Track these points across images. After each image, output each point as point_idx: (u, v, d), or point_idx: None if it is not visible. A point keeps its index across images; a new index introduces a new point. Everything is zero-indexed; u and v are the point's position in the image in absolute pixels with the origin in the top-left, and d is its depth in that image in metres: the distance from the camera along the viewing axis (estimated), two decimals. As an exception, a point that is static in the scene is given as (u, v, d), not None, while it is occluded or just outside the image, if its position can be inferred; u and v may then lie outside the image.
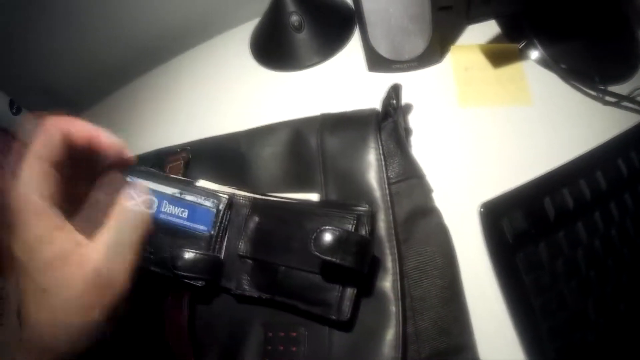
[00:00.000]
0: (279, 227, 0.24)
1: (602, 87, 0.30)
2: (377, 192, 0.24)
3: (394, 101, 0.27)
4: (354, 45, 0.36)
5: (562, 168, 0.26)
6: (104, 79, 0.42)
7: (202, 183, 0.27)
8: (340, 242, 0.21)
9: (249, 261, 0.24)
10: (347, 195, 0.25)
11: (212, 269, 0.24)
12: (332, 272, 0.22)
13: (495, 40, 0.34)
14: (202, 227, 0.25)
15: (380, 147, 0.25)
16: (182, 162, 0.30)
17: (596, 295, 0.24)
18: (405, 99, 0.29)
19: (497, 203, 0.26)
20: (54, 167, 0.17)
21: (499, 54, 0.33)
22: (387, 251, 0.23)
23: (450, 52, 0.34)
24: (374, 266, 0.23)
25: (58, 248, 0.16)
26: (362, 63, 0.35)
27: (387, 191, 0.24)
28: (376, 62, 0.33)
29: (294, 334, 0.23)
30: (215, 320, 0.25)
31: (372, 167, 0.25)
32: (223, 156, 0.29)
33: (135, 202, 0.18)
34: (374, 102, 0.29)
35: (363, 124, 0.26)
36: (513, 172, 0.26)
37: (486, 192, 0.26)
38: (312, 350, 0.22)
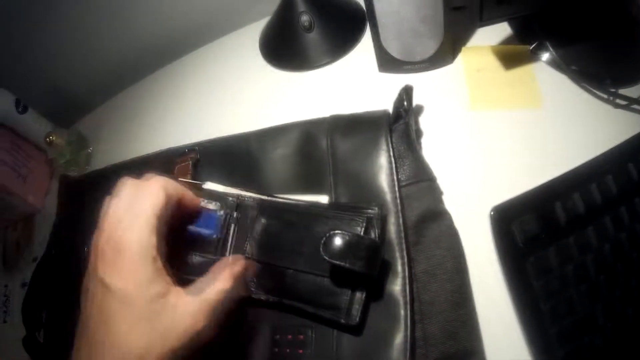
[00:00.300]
0: (287, 230, 0.24)
1: (613, 90, 0.30)
2: (387, 195, 0.24)
3: (406, 103, 0.27)
4: (364, 46, 0.36)
5: (573, 172, 0.26)
6: (112, 78, 0.42)
7: (209, 185, 0.27)
8: (351, 246, 0.21)
9: (256, 264, 0.24)
10: (357, 198, 0.25)
11: None
12: (341, 276, 0.22)
13: (506, 41, 0.34)
14: (207, 231, 0.25)
15: (392, 149, 0.25)
16: (191, 162, 0.30)
17: (605, 300, 0.24)
18: (415, 101, 0.29)
19: (508, 207, 0.26)
20: (164, 223, 0.21)
21: (510, 56, 0.33)
22: (397, 254, 0.23)
23: (461, 53, 0.34)
24: (384, 269, 0.23)
25: (162, 288, 0.20)
26: (373, 64, 0.35)
27: (398, 194, 0.24)
28: (387, 62, 0.33)
29: (301, 337, 0.23)
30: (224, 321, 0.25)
31: (383, 169, 0.25)
32: (232, 157, 0.30)
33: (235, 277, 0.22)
34: (384, 103, 0.29)
35: (374, 125, 0.26)
36: (523, 176, 0.26)
37: (496, 196, 0.26)
38: (319, 353, 0.23)
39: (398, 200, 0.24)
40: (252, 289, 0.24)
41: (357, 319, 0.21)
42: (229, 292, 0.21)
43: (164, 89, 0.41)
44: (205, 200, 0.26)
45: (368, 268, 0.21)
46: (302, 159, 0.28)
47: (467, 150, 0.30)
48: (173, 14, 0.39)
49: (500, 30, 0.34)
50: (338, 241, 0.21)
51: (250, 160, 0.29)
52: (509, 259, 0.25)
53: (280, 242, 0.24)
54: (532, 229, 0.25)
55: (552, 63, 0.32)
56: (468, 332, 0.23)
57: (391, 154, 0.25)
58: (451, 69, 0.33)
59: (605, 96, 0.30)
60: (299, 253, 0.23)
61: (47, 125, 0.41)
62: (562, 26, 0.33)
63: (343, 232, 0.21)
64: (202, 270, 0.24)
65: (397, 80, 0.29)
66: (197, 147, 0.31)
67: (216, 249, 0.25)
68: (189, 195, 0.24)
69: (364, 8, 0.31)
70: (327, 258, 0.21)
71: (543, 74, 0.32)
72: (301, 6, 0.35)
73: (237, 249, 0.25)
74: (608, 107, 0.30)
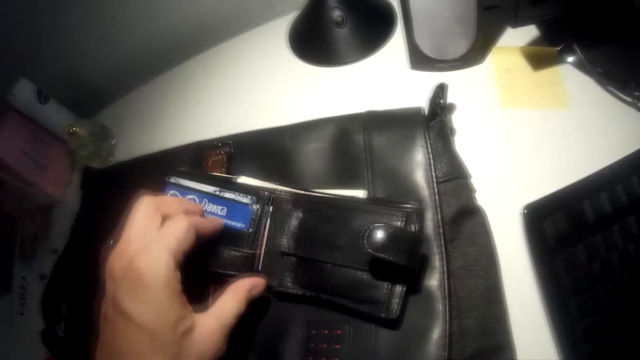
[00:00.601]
0: (324, 224, 0.24)
1: (637, 94, 0.30)
2: (425, 191, 0.25)
3: (441, 100, 0.27)
4: (394, 43, 0.37)
5: (600, 173, 0.27)
6: (137, 69, 0.41)
7: (243, 179, 0.27)
8: (393, 239, 0.21)
9: (292, 258, 0.25)
10: (394, 193, 0.25)
11: (249, 266, 0.25)
12: (380, 270, 0.22)
13: (534, 42, 0.34)
14: (239, 225, 0.26)
15: (429, 145, 0.26)
16: (225, 156, 0.30)
17: (629, 298, 0.25)
18: (447, 99, 0.29)
19: (540, 205, 0.26)
20: (185, 255, 0.21)
21: (538, 57, 0.33)
22: (435, 250, 0.24)
23: (491, 53, 0.34)
24: (422, 264, 0.23)
25: (189, 323, 0.20)
26: (403, 61, 0.35)
27: (436, 190, 0.25)
28: (419, 60, 0.33)
29: (339, 332, 0.23)
30: (255, 317, 0.25)
31: (420, 165, 0.26)
32: (265, 150, 0.30)
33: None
34: (415, 100, 0.29)
35: (410, 122, 0.27)
36: (552, 175, 0.27)
37: (525, 194, 0.26)
38: (356, 348, 0.23)
39: (436, 197, 0.25)
40: (289, 284, 0.24)
41: (397, 313, 0.22)
42: (244, 313, 0.22)
43: (190, 82, 0.41)
44: (240, 194, 0.26)
45: (409, 261, 0.21)
46: (337, 154, 0.28)
47: (497, 148, 0.30)
48: (201, 6, 0.39)
49: (528, 32, 0.35)
50: (380, 234, 0.21)
51: (284, 155, 0.29)
52: (540, 256, 0.26)
53: (317, 236, 0.24)
54: (562, 227, 0.26)
55: (579, 65, 0.33)
56: (501, 327, 0.24)
57: (428, 150, 0.26)
58: (481, 68, 0.34)
59: (629, 99, 0.31)
60: (337, 247, 0.23)
61: (68, 116, 0.40)
62: (590, 28, 0.33)
63: (385, 224, 0.21)
64: (232, 264, 0.24)
65: (428, 78, 0.29)
66: (229, 141, 0.31)
67: (248, 243, 0.25)
68: (218, 226, 0.24)
69: (396, 5, 0.31)
70: (370, 250, 0.21)
71: (571, 75, 0.33)
72: (333, 1, 0.35)
73: (271, 243, 0.25)
74: (632, 111, 0.31)
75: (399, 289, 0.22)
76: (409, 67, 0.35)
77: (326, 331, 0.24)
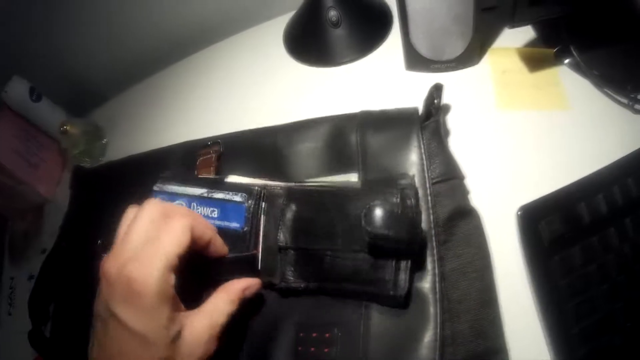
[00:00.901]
0: (320, 213, 0.24)
1: (633, 96, 0.31)
2: (419, 192, 0.25)
3: (436, 101, 0.27)
4: (391, 43, 0.37)
5: (596, 174, 0.27)
6: (130, 68, 0.41)
7: (231, 178, 0.27)
8: (392, 215, 0.21)
9: (291, 252, 0.24)
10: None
11: (250, 268, 0.24)
12: (382, 250, 0.22)
13: (531, 44, 0.35)
14: (234, 225, 0.25)
15: (423, 146, 0.26)
16: (214, 155, 0.30)
17: (625, 300, 0.25)
18: (443, 100, 0.29)
19: (535, 207, 0.26)
20: (181, 257, 0.21)
21: (535, 58, 0.34)
22: (427, 252, 0.24)
23: (487, 54, 0.34)
24: (414, 267, 0.23)
25: (179, 324, 0.20)
26: (399, 61, 0.35)
27: (429, 191, 0.25)
28: (415, 61, 0.34)
29: (328, 335, 0.23)
30: (246, 318, 0.25)
31: (414, 165, 0.26)
32: (258, 150, 0.30)
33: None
34: (411, 101, 0.29)
35: (405, 122, 0.27)
36: (548, 176, 0.27)
37: (521, 195, 0.27)
38: (345, 351, 0.23)
39: (429, 197, 0.25)
40: (291, 279, 0.24)
41: (406, 289, 0.21)
42: (235, 313, 0.22)
43: (184, 81, 0.41)
44: (231, 193, 0.25)
45: (410, 235, 0.21)
46: (330, 153, 0.28)
47: (493, 149, 0.30)
48: (196, 5, 0.39)
49: (525, 33, 0.35)
50: (379, 212, 0.20)
51: (276, 154, 0.29)
52: (535, 258, 0.26)
53: (314, 226, 0.24)
54: (557, 228, 0.26)
55: (575, 67, 0.33)
56: (495, 330, 0.24)
57: (423, 150, 0.26)
58: (477, 69, 0.34)
59: (625, 101, 0.31)
60: (336, 234, 0.23)
61: (61, 114, 0.40)
62: (587, 30, 0.33)
63: (382, 202, 0.21)
64: (232, 268, 0.23)
65: (424, 79, 0.30)
66: (219, 140, 0.31)
67: (246, 243, 0.25)
68: (218, 242, 0.23)
69: (392, 5, 0.31)
70: (370, 230, 0.20)
71: (567, 77, 0.33)
72: (329, 1, 0.36)
73: (269, 240, 0.25)
74: (628, 113, 0.31)
75: (403, 264, 0.22)
76: (405, 68, 0.35)
77: (315, 334, 0.23)
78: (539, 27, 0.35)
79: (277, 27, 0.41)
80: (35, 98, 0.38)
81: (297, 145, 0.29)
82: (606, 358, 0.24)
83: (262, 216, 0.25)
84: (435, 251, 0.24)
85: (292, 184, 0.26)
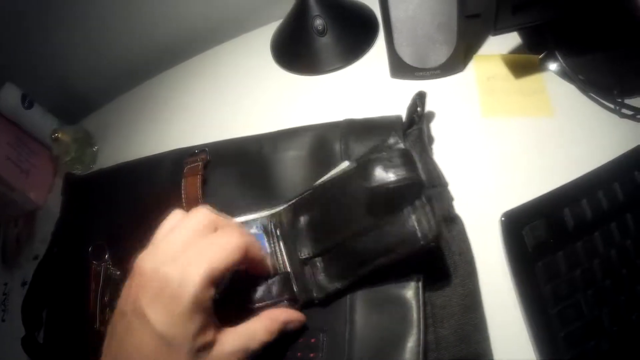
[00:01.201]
0: (328, 207, 0.24)
1: (620, 100, 0.31)
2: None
3: (419, 108, 0.28)
4: (376, 51, 0.37)
5: (581, 179, 0.28)
6: (120, 76, 0.42)
7: (239, 219, 0.26)
8: (387, 163, 0.21)
9: (317, 259, 0.24)
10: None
11: (289, 288, 0.24)
12: (392, 203, 0.22)
13: (516, 50, 0.35)
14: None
15: None
16: (201, 163, 0.30)
17: (611, 305, 0.25)
18: (427, 107, 0.30)
19: (519, 213, 0.27)
20: (226, 273, 0.20)
21: (520, 65, 0.34)
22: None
23: (472, 61, 0.35)
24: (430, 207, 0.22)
25: (210, 337, 0.19)
26: (384, 69, 0.36)
27: (412, 198, 0.25)
28: (400, 68, 0.34)
29: (313, 340, 0.23)
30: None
31: None
32: (243, 158, 0.30)
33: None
34: (396, 108, 0.29)
35: (389, 130, 0.27)
36: (533, 182, 0.28)
37: (506, 202, 0.27)
38: (330, 357, 0.23)
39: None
40: (326, 285, 0.23)
41: (435, 231, 0.21)
42: (268, 343, 0.21)
43: (173, 89, 0.41)
44: (246, 225, 0.25)
45: (410, 172, 0.21)
46: (315, 162, 0.28)
47: (477, 156, 0.31)
48: (184, 15, 0.40)
49: (510, 40, 0.35)
50: (372, 167, 0.21)
51: (262, 162, 0.29)
52: (519, 264, 0.26)
53: (328, 222, 0.24)
54: (541, 234, 0.26)
55: (561, 72, 0.33)
56: (479, 335, 0.24)
57: None
58: (462, 76, 0.34)
59: (611, 106, 0.31)
60: (351, 218, 0.23)
61: (52, 122, 0.41)
62: (572, 36, 0.34)
63: (370, 156, 0.21)
64: (269, 293, 0.23)
65: (409, 87, 0.30)
66: (206, 148, 0.31)
67: (274, 267, 0.24)
68: (266, 263, 0.23)
69: (378, 14, 0.32)
70: (373, 185, 0.20)
71: (552, 83, 0.33)
72: (315, 10, 0.36)
73: (293, 260, 0.25)
74: (615, 117, 0.31)
75: (418, 203, 0.21)
76: (390, 76, 0.35)
77: (301, 339, 0.24)
78: (525, 33, 0.35)
79: (264, 36, 0.41)
80: (27, 105, 0.39)
81: (282, 153, 0.29)
82: (594, 363, 0.24)
83: (280, 243, 0.25)
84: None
85: (293, 201, 0.26)
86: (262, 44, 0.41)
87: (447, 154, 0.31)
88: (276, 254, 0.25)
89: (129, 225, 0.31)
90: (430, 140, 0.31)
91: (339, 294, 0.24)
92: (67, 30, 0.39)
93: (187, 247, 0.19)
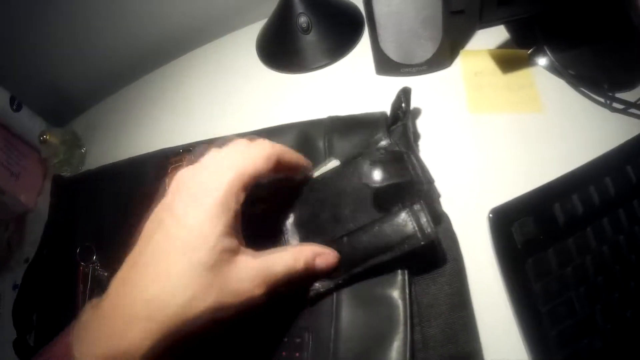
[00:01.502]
0: (317, 206, 0.24)
1: (610, 94, 0.30)
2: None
3: (404, 104, 0.27)
4: (362, 48, 0.37)
5: (572, 174, 0.27)
6: (108, 77, 0.42)
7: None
8: (387, 163, 0.21)
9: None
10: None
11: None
12: (392, 203, 0.22)
13: (504, 45, 0.34)
14: None
15: None
16: (186, 162, 0.30)
17: (604, 302, 0.25)
18: (413, 103, 0.29)
19: (507, 209, 0.26)
20: (256, 179, 0.21)
21: (509, 60, 0.33)
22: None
23: (459, 56, 0.34)
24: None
25: (234, 245, 0.19)
26: (370, 66, 0.35)
27: (396, 195, 0.24)
28: (385, 65, 0.33)
29: (298, 340, 0.23)
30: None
31: None
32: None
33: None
34: (382, 105, 0.29)
35: (372, 127, 0.27)
36: (522, 178, 0.27)
37: (495, 198, 0.26)
38: (315, 356, 0.22)
39: (396, 202, 0.24)
40: (318, 284, 0.23)
41: (434, 230, 0.21)
42: (296, 274, 0.20)
43: (159, 90, 0.41)
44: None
45: (404, 171, 0.21)
46: None
47: (465, 152, 0.30)
48: (170, 15, 0.39)
49: (498, 35, 0.35)
50: (365, 167, 0.21)
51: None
52: (508, 261, 0.25)
53: (318, 221, 0.23)
54: (530, 230, 0.25)
55: (550, 67, 0.33)
56: (467, 334, 0.23)
57: None
58: (449, 72, 0.34)
59: (602, 100, 0.31)
60: (342, 216, 0.23)
61: (41, 124, 0.40)
62: (560, 30, 0.33)
63: (362, 156, 0.21)
64: None
65: (395, 83, 0.29)
66: (191, 148, 0.31)
67: None
68: (304, 166, 0.24)
69: (363, 10, 0.31)
70: (376, 185, 0.21)
71: (541, 78, 0.32)
72: (299, 7, 0.36)
73: None
74: (605, 111, 0.30)
75: (417, 207, 0.21)
76: (375, 72, 0.35)
77: (285, 339, 0.23)
78: (513, 28, 0.35)
79: (250, 35, 0.41)
80: (15, 107, 0.38)
81: None
82: (587, 361, 0.24)
83: None
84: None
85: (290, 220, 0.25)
86: (248, 43, 0.41)
87: (433, 150, 0.30)
88: None
89: (116, 226, 0.30)
90: (417, 136, 0.31)
91: (332, 291, 0.23)
92: (54, 33, 0.38)
93: (220, 161, 0.20)
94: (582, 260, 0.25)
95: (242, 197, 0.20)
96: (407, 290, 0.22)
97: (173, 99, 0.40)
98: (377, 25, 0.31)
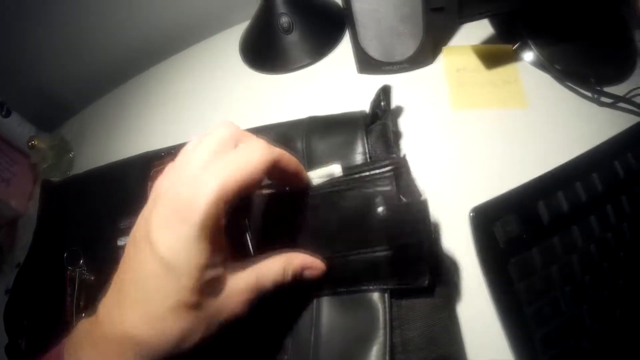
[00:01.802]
0: (315, 220, 0.22)
1: (598, 88, 0.29)
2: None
3: (383, 103, 0.26)
4: (345, 47, 0.36)
5: (557, 170, 0.26)
6: (94, 81, 0.42)
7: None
8: (400, 205, 0.20)
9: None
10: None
11: None
12: (397, 241, 0.21)
13: (489, 41, 0.34)
14: None
15: (367, 151, 0.25)
16: (168, 167, 0.30)
17: (591, 301, 0.24)
18: (396, 101, 0.29)
19: (489, 207, 0.25)
20: (245, 190, 0.17)
21: (493, 55, 0.33)
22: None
23: (442, 53, 0.33)
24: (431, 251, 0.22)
25: (219, 272, 0.17)
26: (353, 65, 0.35)
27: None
28: (366, 63, 0.33)
29: (279, 345, 0.22)
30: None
31: None
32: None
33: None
34: (364, 104, 0.28)
35: (350, 127, 0.26)
36: (506, 176, 0.26)
37: (478, 197, 0.25)
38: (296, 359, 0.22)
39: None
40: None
41: (427, 278, 0.21)
42: (282, 285, 0.19)
43: (144, 93, 0.41)
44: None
45: (425, 220, 0.20)
46: None
47: (447, 150, 0.29)
48: (154, 18, 0.39)
49: (482, 30, 0.34)
50: (386, 205, 0.20)
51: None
52: (490, 261, 0.24)
53: (316, 235, 0.22)
54: (513, 229, 0.24)
55: (536, 62, 0.32)
56: (449, 337, 0.22)
57: (367, 156, 0.25)
58: (431, 69, 0.33)
59: (589, 95, 0.30)
60: (337, 236, 0.22)
61: (30, 129, 0.40)
62: (545, 25, 0.32)
63: (383, 194, 0.20)
64: None
65: (377, 82, 0.29)
66: (173, 151, 0.31)
67: None
68: (303, 174, 0.21)
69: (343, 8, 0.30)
70: (386, 224, 0.20)
71: (527, 74, 0.32)
72: (281, 7, 0.35)
73: None
74: (593, 106, 0.30)
75: (421, 250, 0.20)
76: (357, 71, 0.34)
77: (266, 344, 0.22)
78: (497, 23, 0.34)
79: (233, 37, 0.41)
80: (5, 113, 0.38)
81: None
82: (575, 362, 0.23)
83: None
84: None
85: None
86: (231, 45, 0.41)
87: (415, 148, 0.29)
88: None
89: (102, 230, 0.30)
90: (398, 135, 0.30)
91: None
92: (42, 39, 0.39)
93: (205, 166, 0.17)
94: (568, 259, 0.24)
95: (224, 216, 0.17)
96: (386, 293, 0.22)
97: (158, 102, 0.40)
98: (357, 23, 0.30)
